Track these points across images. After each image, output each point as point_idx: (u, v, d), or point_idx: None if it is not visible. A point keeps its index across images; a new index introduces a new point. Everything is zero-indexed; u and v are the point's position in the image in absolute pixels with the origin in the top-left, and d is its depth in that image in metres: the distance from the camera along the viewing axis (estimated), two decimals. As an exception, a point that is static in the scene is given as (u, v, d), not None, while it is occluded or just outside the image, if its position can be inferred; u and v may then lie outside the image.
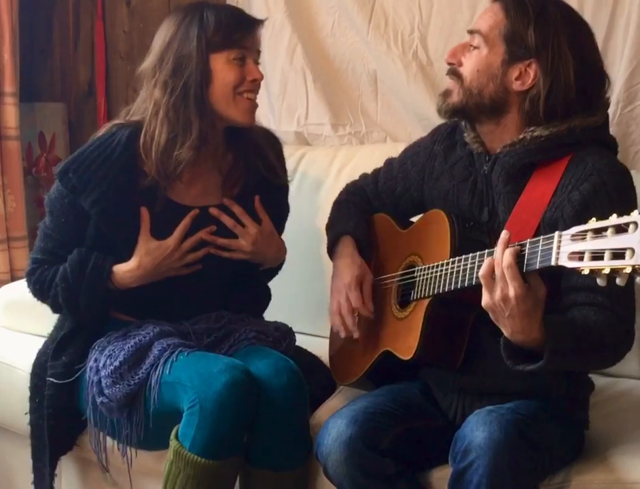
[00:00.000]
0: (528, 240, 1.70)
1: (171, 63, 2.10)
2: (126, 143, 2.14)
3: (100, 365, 2.13)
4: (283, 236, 2.34)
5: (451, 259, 1.90)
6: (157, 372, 2.06)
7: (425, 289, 1.97)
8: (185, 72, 2.09)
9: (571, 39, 1.88)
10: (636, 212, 1.50)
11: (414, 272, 2.03)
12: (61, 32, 3.47)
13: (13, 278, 3.19)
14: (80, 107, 3.48)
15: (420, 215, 2.17)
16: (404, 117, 2.92)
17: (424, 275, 1.98)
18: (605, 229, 1.53)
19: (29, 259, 2.25)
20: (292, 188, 2.63)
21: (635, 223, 1.48)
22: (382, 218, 2.24)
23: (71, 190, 2.13)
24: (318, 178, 2.82)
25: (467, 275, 1.83)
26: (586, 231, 1.56)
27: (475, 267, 1.80)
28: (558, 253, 1.61)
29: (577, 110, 1.89)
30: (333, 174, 2.80)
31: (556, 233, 1.63)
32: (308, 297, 2.69)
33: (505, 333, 1.75)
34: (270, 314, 2.40)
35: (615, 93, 2.54)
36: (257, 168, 2.25)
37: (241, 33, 2.12)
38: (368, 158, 2.62)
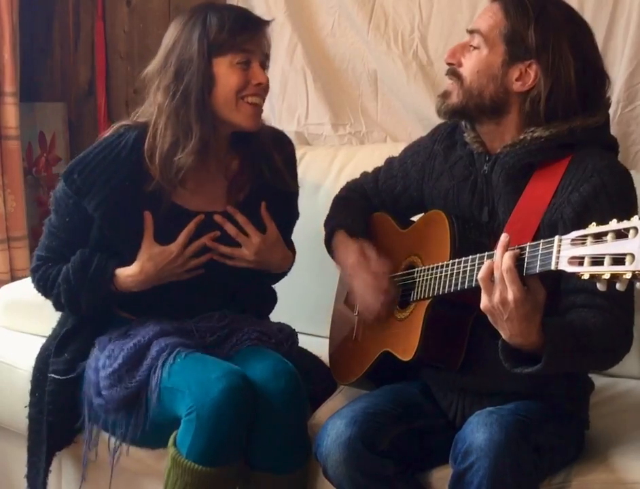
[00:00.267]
0: (528, 244, 1.69)
1: (173, 67, 2.08)
2: (133, 146, 2.12)
3: (100, 365, 2.13)
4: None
5: (451, 261, 1.90)
6: (156, 375, 2.06)
7: (425, 290, 1.96)
8: (186, 76, 2.06)
9: (571, 39, 1.88)
10: (636, 217, 1.50)
11: (413, 272, 2.03)
12: (61, 32, 3.46)
13: (13, 278, 3.19)
14: (80, 107, 3.48)
15: (420, 215, 2.17)
16: (404, 117, 2.92)
17: (424, 276, 1.98)
18: (605, 234, 1.52)
19: (34, 255, 2.26)
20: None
21: (635, 229, 1.48)
22: (382, 217, 2.24)
23: (76, 192, 2.12)
24: (318, 178, 2.81)
25: (467, 277, 1.83)
26: (586, 235, 1.56)
27: (475, 270, 1.79)
28: (558, 258, 1.61)
29: (578, 110, 1.89)
30: (333, 174, 2.80)
31: (556, 237, 1.62)
32: (308, 297, 2.69)
33: (504, 335, 1.74)
34: (270, 314, 2.40)
35: (616, 93, 2.54)
36: (263, 173, 2.22)
37: (245, 36, 2.08)
38: (368, 158, 2.61)
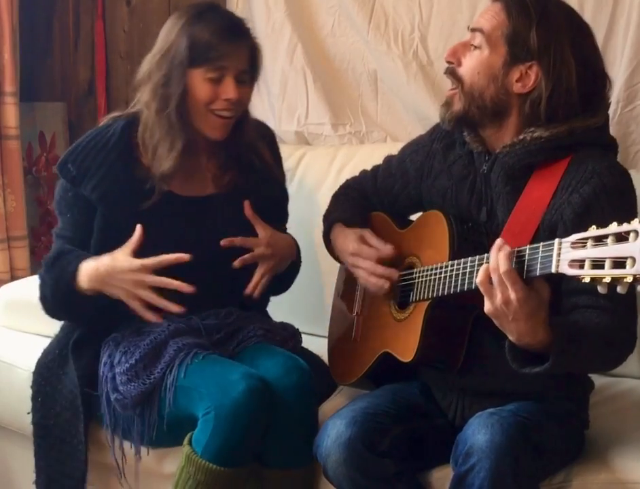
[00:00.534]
0: (528, 246, 1.69)
1: (160, 72, 2.14)
2: (121, 133, 2.19)
3: (115, 361, 2.14)
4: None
5: (450, 262, 1.90)
6: (172, 374, 2.07)
7: (424, 291, 1.96)
8: (172, 84, 2.13)
9: (573, 41, 1.88)
10: (636, 220, 1.49)
11: (412, 273, 2.03)
12: (61, 32, 3.46)
13: (13, 278, 3.19)
14: (80, 107, 3.48)
15: (419, 214, 2.17)
16: (404, 116, 2.92)
17: (423, 277, 1.98)
18: (605, 237, 1.52)
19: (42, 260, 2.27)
20: (292, 188, 2.64)
21: (636, 232, 1.48)
22: (380, 217, 2.24)
23: (72, 181, 2.17)
24: (318, 178, 2.81)
25: (467, 279, 1.82)
26: (586, 238, 1.56)
27: (475, 271, 1.79)
28: (558, 261, 1.61)
29: (578, 112, 1.89)
30: (333, 174, 2.80)
31: (556, 240, 1.62)
32: (307, 296, 2.69)
33: (511, 337, 1.73)
34: (270, 313, 2.40)
35: (615, 93, 2.53)
36: (253, 164, 2.27)
37: (219, 52, 2.11)
38: (368, 158, 2.61)
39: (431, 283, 1.94)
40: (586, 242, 1.56)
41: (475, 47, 1.93)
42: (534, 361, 1.74)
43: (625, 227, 1.50)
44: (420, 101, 2.85)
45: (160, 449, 2.18)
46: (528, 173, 1.91)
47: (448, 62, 1.98)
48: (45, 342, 2.37)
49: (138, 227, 2.12)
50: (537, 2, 1.89)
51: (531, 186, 1.90)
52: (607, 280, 1.50)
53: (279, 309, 2.44)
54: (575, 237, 1.58)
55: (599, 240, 1.54)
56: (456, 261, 1.87)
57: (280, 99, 3.07)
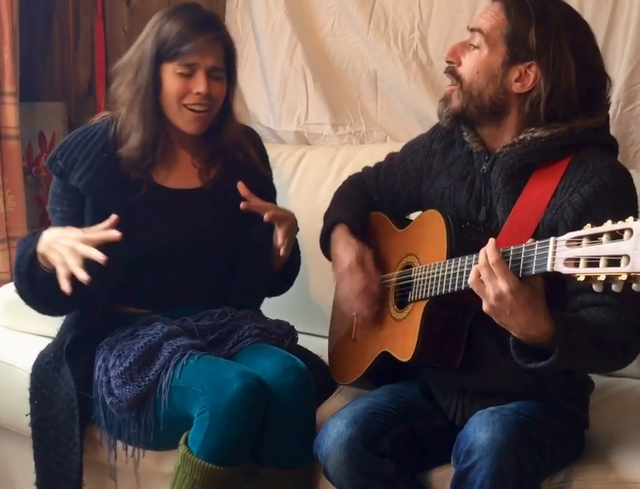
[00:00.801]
0: (524, 245, 1.69)
1: (134, 66, 2.20)
2: (106, 127, 2.24)
3: (110, 364, 2.14)
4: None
5: (447, 261, 1.90)
6: (167, 375, 2.07)
7: (422, 291, 1.96)
8: (139, 77, 2.18)
9: (572, 41, 1.88)
10: (631, 218, 1.50)
11: (411, 272, 2.03)
12: (61, 32, 3.46)
13: (14, 278, 3.19)
14: (80, 107, 3.48)
15: (418, 214, 2.17)
16: (404, 116, 2.92)
17: (421, 276, 1.98)
18: (600, 235, 1.52)
19: None
20: (292, 188, 2.64)
21: (630, 230, 1.48)
22: (379, 217, 2.24)
23: (60, 174, 2.21)
24: (318, 178, 2.81)
25: (464, 278, 1.82)
26: (581, 237, 1.56)
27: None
28: (553, 259, 1.61)
29: (579, 112, 1.89)
30: (333, 174, 2.80)
31: (551, 239, 1.62)
32: (307, 296, 2.69)
33: (515, 333, 1.73)
34: (269, 314, 2.40)
35: (615, 92, 2.54)
36: (238, 160, 2.30)
37: (189, 48, 2.14)
38: (368, 158, 2.61)
39: (429, 282, 1.94)
40: (581, 241, 1.56)
41: (475, 46, 1.93)
42: (540, 357, 1.73)
43: (620, 225, 1.50)
44: (420, 101, 2.85)
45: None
46: (528, 173, 1.92)
47: (448, 62, 1.99)
48: (45, 343, 2.38)
49: (113, 216, 2.11)
50: (536, 2, 1.89)
51: (531, 186, 1.91)
52: (602, 278, 1.50)
53: (279, 309, 2.44)
54: (571, 235, 1.58)
55: (594, 238, 1.54)
56: (453, 260, 1.87)
57: (280, 99, 3.07)
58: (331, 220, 2.24)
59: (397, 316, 2.07)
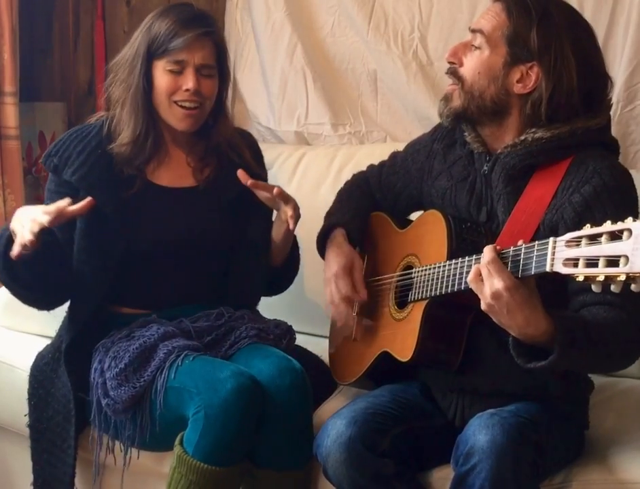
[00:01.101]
0: (523, 246, 1.69)
1: (126, 64, 2.21)
2: (101, 125, 2.26)
3: (105, 366, 2.14)
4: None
5: (447, 261, 1.90)
6: (162, 376, 2.07)
7: (423, 291, 1.96)
8: (132, 75, 2.20)
9: (573, 41, 1.88)
10: (630, 219, 1.49)
11: (411, 272, 2.03)
12: (61, 32, 3.46)
13: (14, 278, 3.18)
14: (80, 107, 3.48)
15: (419, 213, 2.17)
16: (404, 117, 2.92)
17: (421, 276, 1.98)
18: (599, 235, 1.52)
19: None
20: (292, 188, 2.63)
21: (629, 230, 1.48)
22: (380, 217, 2.24)
23: (54, 170, 2.23)
24: (318, 178, 2.82)
25: (464, 278, 1.82)
26: (581, 237, 1.56)
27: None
28: (552, 259, 1.61)
29: (580, 112, 1.89)
30: (333, 174, 2.81)
31: (551, 239, 1.62)
32: (307, 296, 2.69)
33: (514, 333, 1.73)
34: (268, 314, 2.40)
35: (615, 92, 2.53)
36: (232, 160, 2.30)
37: (177, 45, 2.16)
38: (368, 158, 2.61)
39: (429, 282, 1.94)
40: (581, 241, 1.56)
41: (476, 47, 1.93)
42: (540, 357, 1.73)
43: (619, 225, 1.50)
44: (420, 101, 2.85)
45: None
46: (529, 173, 1.92)
47: (450, 63, 1.99)
48: (45, 343, 2.38)
49: (88, 198, 2.10)
50: (537, 2, 1.89)
51: (532, 186, 1.90)
52: (601, 278, 1.50)
53: (277, 309, 2.44)
54: (570, 236, 1.58)
55: (593, 238, 1.54)
56: (454, 261, 1.87)
57: (280, 99, 3.07)
58: (328, 222, 2.24)
59: (397, 316, 2.07)
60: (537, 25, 1.87)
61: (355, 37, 2.95)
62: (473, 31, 1.95)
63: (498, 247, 1.72)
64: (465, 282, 1.79)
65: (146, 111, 2.21)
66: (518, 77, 1.90)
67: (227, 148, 2.31)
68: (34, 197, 3.45)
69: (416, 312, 1.99)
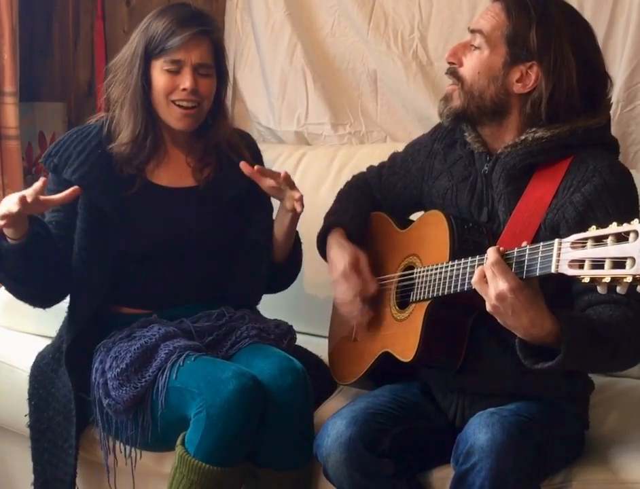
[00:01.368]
0: (528, 247, 1.69)
1: (125, 64, 2.22)
2: (101, 125, 2.27)
3: (106, 366, 2.14)
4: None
5: (450, 262, 1.90)
6: (164, 376, 2.07)
7: (424, 291, 1.96)
8: (130, 75, 2.20)
9: (573, 41, 1.88)
10: (636, 220, 1.49)
11: (413, 273, 2.03)
12: (61, 32, 3.46)
13: (13, 278, 3.18)
14: (80, 107, 3.48)
15: (420, 214, 2.17)
16: (404, 117, 2.92)
17: (423, 277, 1.98)
18: (605, 237, 1.52)
19: None
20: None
21: (636, 232, 1.48)
22: (380, 217, 2.24)
23: (54, 169, 2.23)
24: (318, 178, 2.82)
25: (467, 279, 1.82)
26: (586, 238, 1.56)
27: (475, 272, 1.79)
28: (558, 261, 1.60)
29: (580, 112, 1.89)
30: (333, 174, 2.81)
31: (556, 240, 1.62)
32: (307, 296, 2.69)
33: (519, 334, 1.72)
34: (268, 314, 2.40)
35: (615, 92, 2.54)
36: (231, 160, 2.30)
37: (173, 45, 2.16)
38: (368, 158, 2.61)
39: (431, 283, 1.94)
40: (586, 242, 1.55)
41: (476, 47, 1.93)
42: (546, 358, 1.72)
43: (625, 227, 1.50)
44: (420, 101, 2.85)
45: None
46: (530, 173, 1.92)
47: (449, 63, 1.99)
48: (45, 343, 2.37)
49: (75, 186, 2.10)
50: (537, 2, 1.89)
51: (532, 186, 1.90)
52: (607, 280, 1.50)
53: (278, 309, 2.44)
54: (575, 237, 1.58)
55: (599, 240, 1.54)
56: (456, 262, 1.87)
57: (280, 99, 3.07)
58: (328, 223, 2.24)
59: (398, 316, 2.07)
60: (536, 25, 1.87)
61: (355, 37, 2.95)
62: (473, 31, 1.95)
63: (501, 248, 1.72)
64: (469, 283, 1.79)
65: (145, 110, 2.21)
66: (517, 76, 1.90)
67: (227, 148, 2.31)
68: (34, 198, 3.45)
69: (418, 313, 1.98)
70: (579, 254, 1.56)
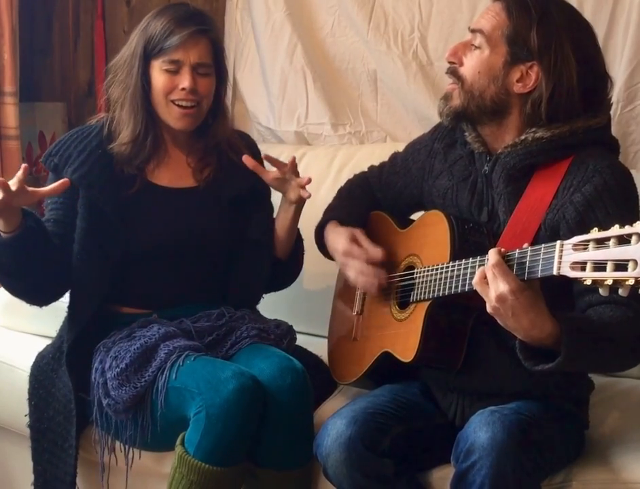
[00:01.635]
0: (529, 248, 1.69)
1: (124, 65, 2.22)
2: (102, 126, 2.27)
3: (106, 366, 2.14)
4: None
5: (451, 263, 1.90)
6: (164, 376, 2.07)
7: (425, 292, 1.96)
8: (130, 75, 2.21)
9: (574, 41, 1.88)
10: (638, 223, 1.49)
11: (413, 273, 2.03)
12: (61, 32, 3.47)
13: (13, 278, 3.18)
14: (80, 107, 3.48)
15: (420, 214, 2.17)
16: (404, 117, 2.92)
17: (423, 277, 1.98)
18: (607, 239, 1.52)
19: None
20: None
21: (638, 234, 1.48)
22: (381, 217, 2.24)
23: (54, 169, 2.23)
24: (318, 178, 2.80)
25: (467, 279, 1.82)
26: (588, 241, 1.55)
27: (476, 272, 1.78)
28: (560, 263, 1.60)
29: (580, 112, 1.89)
30: (333, 174, 2.81)
31: (558, 242, 1.62)
32: (307, 296, 2.69)
33: (519, 335, 1.72)
34: (268, 314, 2.40)
35: (615, 92, 2.54)
36: (232, 160, 2.30)
37: (172, 45, 2.17)
38: (368, 158, 2.62)
39: (432, 283, 1.94)
40: (588, 245, 1.55)
41: (476, 47, 1.93)
42: (547, 359, 1.72)
43: (627, 229, 1.50)
44: (420, 101, 2.85)
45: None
46: (530, 173, 1.92)
47: (450, 62, 1.99)
48: (45, 343, 2.37)
49: (65, 179, 2.10)
50: (537, 2, 1.89)
51: (533, 186, 1.90)
52: (609, 282, 1.50)
53: (278, 309, 2.45)
54: (577, 239, 1.58)
55: (601, 242, 1.53)
56: (457, 262, 1.87)
57: (280, 99, 3.07)
58: (324, 218, 2.25)
59: (398, 316, 2.07)
60: (537, 24, 1.87)
61: (355, 37, 2.95)
62: (473, 31, 1.95)
63: (502, 250, 1.72)
64: (470, 284, 1.79)
65: (145, 110, 2.22)
66: (518, 76, 1.90)
67: (227, 148, 2.31)
68: (34, 197, 3.45)
69: (418, 313, 1.98)
70: (581, 256, 1.56)
